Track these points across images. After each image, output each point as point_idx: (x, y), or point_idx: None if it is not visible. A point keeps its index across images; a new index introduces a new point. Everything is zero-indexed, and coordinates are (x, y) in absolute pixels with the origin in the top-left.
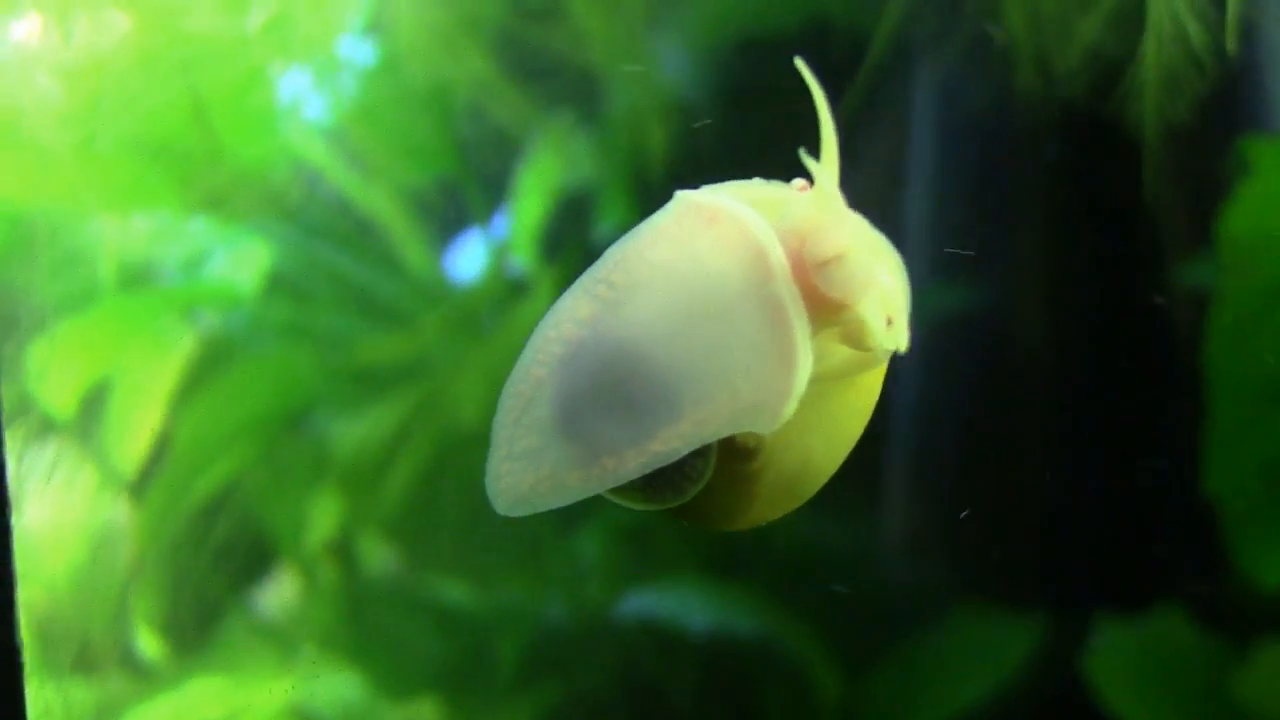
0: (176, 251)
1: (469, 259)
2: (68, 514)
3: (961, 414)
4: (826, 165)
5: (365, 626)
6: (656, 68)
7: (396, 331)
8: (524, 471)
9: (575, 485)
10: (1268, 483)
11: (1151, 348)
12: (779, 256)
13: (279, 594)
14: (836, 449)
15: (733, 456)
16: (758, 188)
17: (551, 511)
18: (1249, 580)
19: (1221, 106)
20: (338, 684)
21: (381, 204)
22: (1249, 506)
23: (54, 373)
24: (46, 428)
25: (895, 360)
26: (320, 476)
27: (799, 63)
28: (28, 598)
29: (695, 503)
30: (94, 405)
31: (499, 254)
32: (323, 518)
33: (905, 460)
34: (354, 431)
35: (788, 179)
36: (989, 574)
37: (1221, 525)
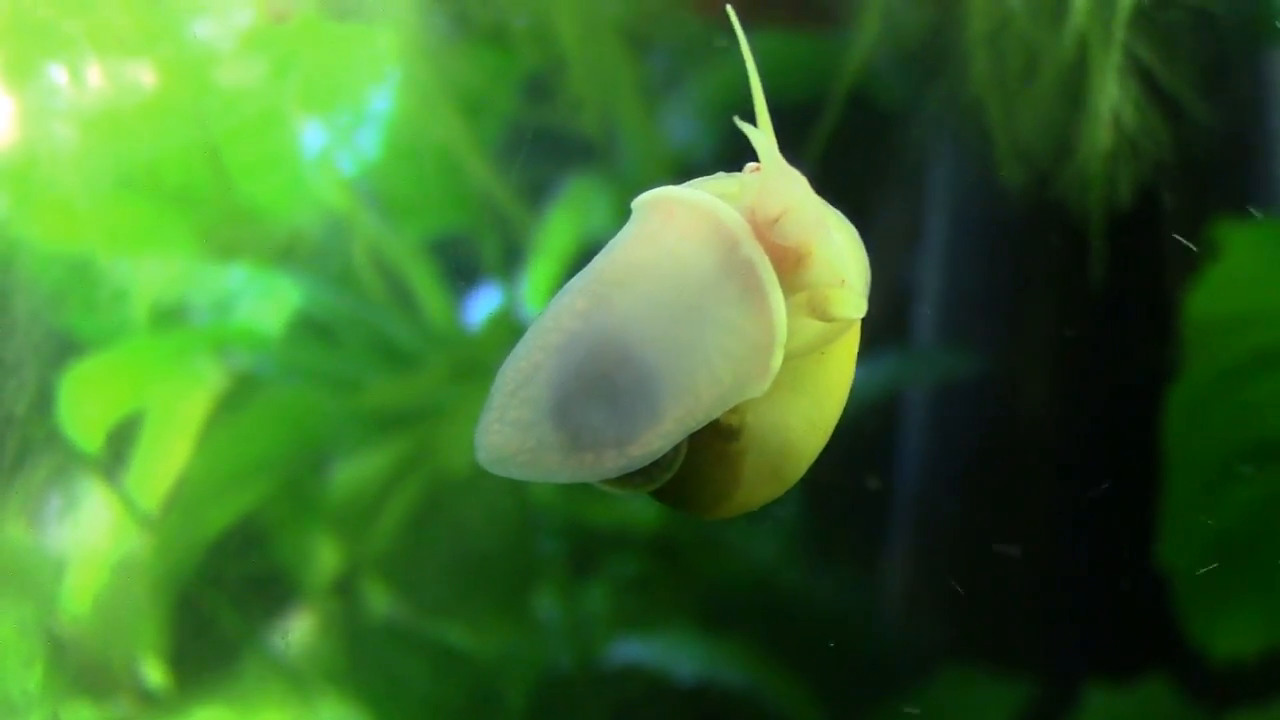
0: (209, 293)
1: (486, 308)
2: (91, 544)
3: (961, 477)
4: (763, 130)
5: (369, 665)
6: (660, 133)
7: (404, 376)
8: (510, 438)
9: (552, 468)
10: (1219, 556)
11: (1140, 420)
12: (737, 220)
13: (287, 630)
14: (817, 428)
15: (716, 437)
16: (718, 181)
17: (545, 561)
18: (1201, 650)
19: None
20: None
21: (403, 253)
22: (1200, 578)
23: (83, 407)
24: (74, 460)
25: (901, 422)
26: (325, 516)
27: (729, 11)
28: (48, 623)
29: (681, 487)
30: (121, 440)
31: (510, 302)
32: (327, 557)
33: (903, 520)
34: (351, 473)
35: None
36: (980, 636)
37: (1171, 595)
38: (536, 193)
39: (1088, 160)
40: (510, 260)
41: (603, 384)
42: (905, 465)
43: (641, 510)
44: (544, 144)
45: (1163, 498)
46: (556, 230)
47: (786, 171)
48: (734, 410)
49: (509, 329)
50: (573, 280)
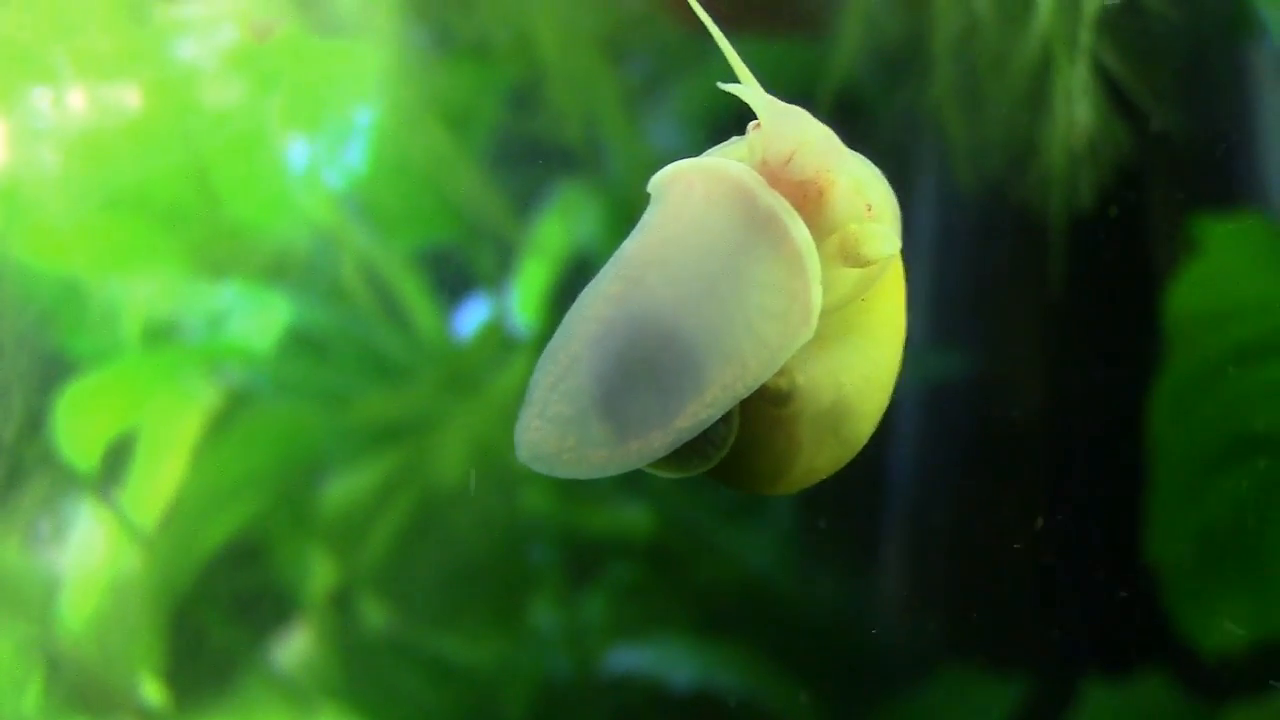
0: (199, 310)
1: (476, 320)
2: (86, 562)
3: (953, 476)
4: (746, 81)
5: (366, 678)
6: (645, 139)
7: (395, 389)
8: (551, 435)
9: (598, 463)
10: (1205, 550)
11: (1132, 418)
12: (748, 173)
13: (285, 645)
14: (873, 383)
15: (767, 404)
16: (732, 146)
17: (540, 570)
18: (1190, 643)
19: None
20: None
21: (392, 267)
22: (1188, 572)
23: (77, 426)
24: (68, 479)
25: (892, 423)
26: (319, 530)
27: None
28: (47, 641)
29: (740, 463)
30: (116, 458)
31: (499, 314)
32: (322, 571)
33: (896, 521)
34: (345, 487)
35: None
36: (976, 635)
37: (1163, 590)
38: (524, 203)
39: (1062, 159)
40: (499, 271)
41: (646, 369)
42: (897, 466)
43: (636, 517)
44: (530, 154)
45: (1150, 493)
46: (545, 240)
47: (785, 110)
48: (782, 373)
49: (499, 340)
50: (604, 268)
